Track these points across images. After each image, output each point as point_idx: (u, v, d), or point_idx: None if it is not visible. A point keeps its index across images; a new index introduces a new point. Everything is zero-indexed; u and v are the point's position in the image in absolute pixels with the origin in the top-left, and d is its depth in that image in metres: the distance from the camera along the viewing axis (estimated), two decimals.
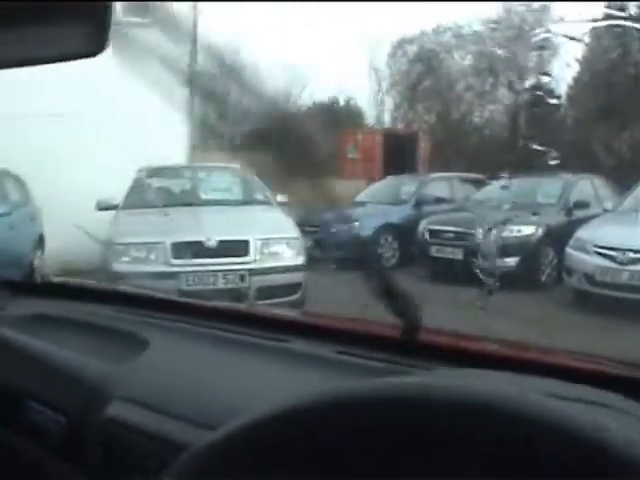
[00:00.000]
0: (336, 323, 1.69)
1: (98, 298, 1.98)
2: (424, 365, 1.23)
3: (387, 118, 25.62)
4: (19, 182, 9.82)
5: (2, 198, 8.80)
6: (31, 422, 1.64)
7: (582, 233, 9.01)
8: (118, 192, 8.73)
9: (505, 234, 10.22)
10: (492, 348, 1.33)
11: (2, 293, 2.07)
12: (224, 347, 1.54)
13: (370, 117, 26.05)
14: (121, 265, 7.49)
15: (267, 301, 6.96)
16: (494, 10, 23.69)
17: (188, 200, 8.88)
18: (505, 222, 10.31)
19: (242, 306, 2.32)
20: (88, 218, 8.55)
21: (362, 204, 13.13)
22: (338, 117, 27.03)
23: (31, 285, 2.20)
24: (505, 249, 10.04)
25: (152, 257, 7.53)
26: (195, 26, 13.70)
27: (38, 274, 9.05)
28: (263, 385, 1.31)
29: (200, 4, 13.55)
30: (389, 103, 25.70)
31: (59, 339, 1.76)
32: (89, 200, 8.54)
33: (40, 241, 10.06)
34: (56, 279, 2.24)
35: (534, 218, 10.37)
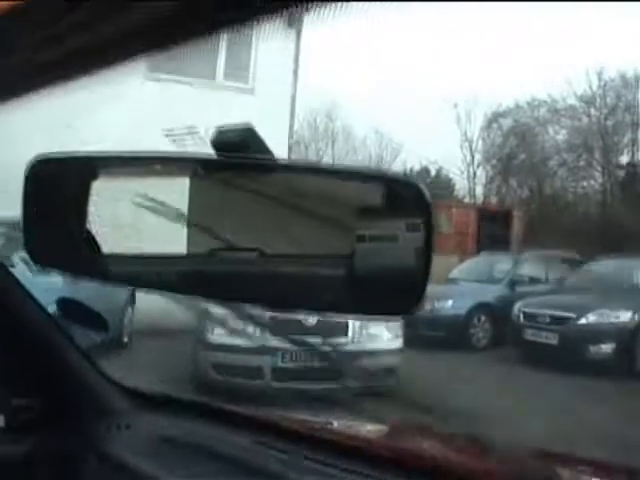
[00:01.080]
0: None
1: (232, 422, 1.71)
2: None
3: (479, 191, 25.50)
4: None
5: None
6: None
7: None
8: None
9: (601, 320, 10.02)
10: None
11: (126, 405, 1.79)
12: None
13: (461, 189, 25.95)
14: (216, 337, 7.50)
15: (361, 384, 6.91)
16: (589, 85, 23.55)
17: None
18: (602, 307, 10.11)
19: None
20: None
21: (455, 281, 13.05)
22: (428, 188, 26.89)
23: (158, 398, 1.88)
24: (600, 335, 9.83)
25: (249, 330, 7.51)
26: (294, 96, 13.96)
27: (127, 333, 9.19)
28: None
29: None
30: (481, 175, 25.61)
31: (193, 474, 1.55)
32: None
33: (132, 297, 10.09)
34: (186, 395, 2.03)
35: (631, 303, 10.12)
